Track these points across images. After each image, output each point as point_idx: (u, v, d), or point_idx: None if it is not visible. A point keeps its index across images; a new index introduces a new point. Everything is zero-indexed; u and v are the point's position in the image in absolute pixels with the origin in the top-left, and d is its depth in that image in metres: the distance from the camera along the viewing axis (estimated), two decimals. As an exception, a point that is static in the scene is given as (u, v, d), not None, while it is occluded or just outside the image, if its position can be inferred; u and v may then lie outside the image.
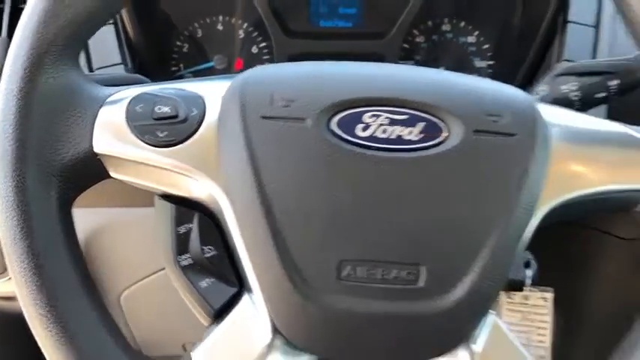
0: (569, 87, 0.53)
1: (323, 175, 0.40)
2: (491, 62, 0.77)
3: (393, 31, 0.74)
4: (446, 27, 0.76)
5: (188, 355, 0.43)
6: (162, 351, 0.78)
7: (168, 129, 0.41)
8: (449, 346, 0.42)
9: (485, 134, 0.41)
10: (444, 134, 0.41)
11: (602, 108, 0.64)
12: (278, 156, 0.40)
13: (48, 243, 0.40)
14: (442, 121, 0.41)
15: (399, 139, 0.40)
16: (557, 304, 0.72)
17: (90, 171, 0.43)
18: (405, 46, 0.76)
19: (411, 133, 0.41)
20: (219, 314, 0.43)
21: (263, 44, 0.75)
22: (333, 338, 0.41)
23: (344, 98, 0.41)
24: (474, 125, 0.41)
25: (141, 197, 0.47)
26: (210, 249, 0.43)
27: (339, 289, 0.40)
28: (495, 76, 0.77)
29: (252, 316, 0.42)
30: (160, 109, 0.42)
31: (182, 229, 0.43)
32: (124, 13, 0.68)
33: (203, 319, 0.44)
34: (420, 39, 0.76)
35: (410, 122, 0.41)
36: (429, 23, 0.76)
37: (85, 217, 0.64)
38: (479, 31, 0.76)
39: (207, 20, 0.75)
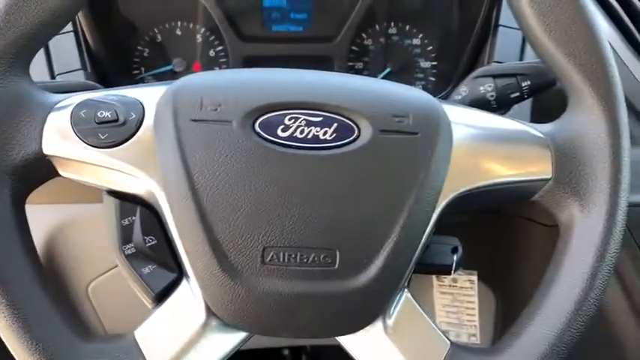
0: (486, 88, 0.58)
1: (247, 171, 0.45)
2: (434, 63, 0.82)
3: (341, 35, 0.79)
4: (392, 30, 0.81)
5: (131, 334, 0.47)
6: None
7: (109, 132, 0.46)
8: (365, 321, 0.47)
9: (391, 133, 0.46)
10: (355, 134, 0.46)
11: (527, 107, 0.69)
12: (207, 155, 0.45)
13: (3, 234, 0.45)
14: (353, 122, 0.46)
15: (315, 139, 0.45)
16: (494, 287, 0.77)
17: (40, 170, 0.47)
18: (354, 48, 0.80)
19: (326, 133, 0.46)
20: (160, 297, 0.48)
21: (219, 48, 0.80)
22: (261, 316, 0.46)
23: (266, 102, 0.46)
24: (381, 125, 0.46)
25: (99, 193, 0.51)
26: (151, 239, 0.48)
27: (263, 272, 0.45)
28: (439, 75, 0.82)
29: (189, 299, 0.47)
30: (102, 113, 0.46)
31: (126, 222, 0.48)
32: (83, 20, 0.72)
33: (146, 302, 0.49)
34: (367, 42, 0.81)
35: (324, 123, 0.46)
36: (376, 27, 0.80)
37: (49, 214, 0.69)
38: (423, 33, 0.81)
39: (167, 25, 0.79)
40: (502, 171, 0.49)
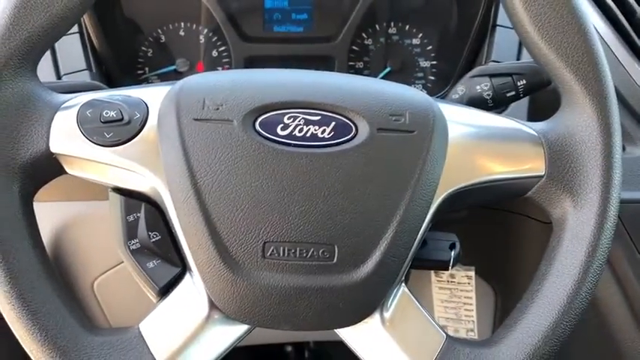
0: (482, 87, 0.59)
1: (248, 168, 0.46)
2: (434, 62, 0.83)
3: (341, 35, 0.80)
4: (392, 30, 0.82)
5: (136, 327, 0.49)
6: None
7: (114, 130, 0.48)
8: (363, 314, 0.48)
9: (387, 132, 0.47)
10: (352, 132, 0.47)
11: (524, 106, 0.70)
12: (209, 153, 0.46)
13: (12, 230, 0.46)
14: (350, 121, 0.47)
15: (314, 137, 0.47)
16: (493, 283, 0.79)
17: (48, 168, 0.49)
18: (354, 48, 0.82)
19: (324, 132, 0.47)
20: (164, 291, 0.49)
21: (222, 48, 0.81)
22: (262, 309, 0.47)
23: (266, 102, 0.47)
24: (378, 124, 0.47)
25: (106, 191, 0.53)
26: (155, 234, 0.49)
27: (264, 267, 0.46)
28: (438, 74, 0.83)
29: (192, 293, 0.48)
30: (107, 113, 0.48)
31: (131, 218, 0.50)
32: (88, 22, 0.73)
33: (151, 296, 0.50)
34: (368, 42, 0.82)
35: (323, 122, 0.47)
36: (377, 27, 0.82)
37: (57, 211, 0.71)
38: (422, 33, 0.82)
39: (171, 26, 0.80)
40: (496, 168, 0.50)
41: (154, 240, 0.49)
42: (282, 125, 0.47)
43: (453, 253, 0.55)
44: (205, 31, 0.81)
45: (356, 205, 0.46)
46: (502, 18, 0.75)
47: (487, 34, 0.76)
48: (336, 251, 0.46)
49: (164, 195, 0.47)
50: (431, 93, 0.82)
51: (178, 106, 0.47)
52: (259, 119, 0.47)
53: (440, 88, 0.82)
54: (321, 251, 0.46)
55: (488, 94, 0.59)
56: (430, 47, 0.82)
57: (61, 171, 0.50)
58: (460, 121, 0.51)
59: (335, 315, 0.48)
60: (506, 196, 0.53)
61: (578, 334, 0.51)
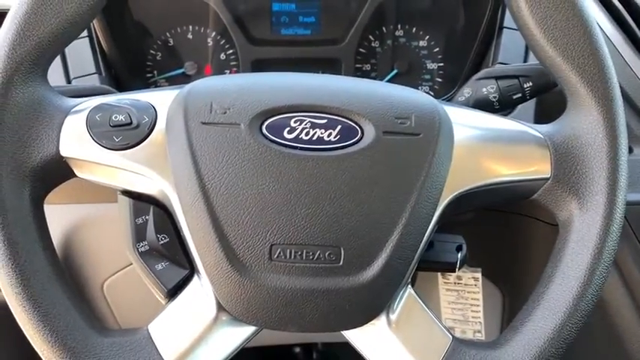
0: (489, 89, 0.59)
1: (255, 172, 0.47)
2: (441, 64, 0.83)
3: (348, 38, 0.80)
4: (399, 32, 0.82)
5: (145, 328, 0.50)
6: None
7: (123, 134, 0.48)
8: (369, 316, 0.49)
9: (393, 135, 0.47)
10: (358, 135, 0.47)
11: (531, 108, 0.70)
12: (217, 156, 0.47)
13: (23, 232, 0.47)
14: (356, 124, 0.48)
15: (320, 140, 0.47)
16: (501, 284, 0.79)
17: (58, 172, 0.49)
18: (362, 50, 0.82)
19: (330, 135, 0.47)
20: (172, 293, 0.50)
21: (230, 51, 0.82)
22: (269, 311, 0.47)
23: (273, 106, 0.48)
24: (384, 127, 0.47)
25: (115, 194, 0.53)
26: (164, 237, 0.50)
27: (271, 269, 0.47)
28: (445, 76, 0.83)
29: (200, 295, 0.49)
30: (116, 117, 0.48)
31: (140, 220, 0.50)
32: (98, 26, 0.74)
33: (159, 298, 0.51)
34: (375, 44, 0.82)
35: (329, 125, 0.47)
36: (383, 29, 0.82)
37: (66, 213, 0.72)
38: (429, 35, 0.82)
39: (179, 30, 0.81)
40: (502, 170, 0.50)
41: (162, 242, 0.50)
42: (288, 128, 0.47)
43: (459, 255, 0.55)
44: (213, 34, 0.81)
45: (362, 208, 0.47)
46: (509, 20, 0.75)
47: (494, 35, 0.76)
48: (343, 253, 0.47)
49: (172, 198, 0.48)
50: (438, 95, 0.83)
51: (186, 110, 0.48)
52: (266, 123, 0.47)
53: (447, 90, 0.83)
54: (327, 253, 0.47)
55: (495, 97, 0.59)
56: (437, 49, 0.82)
57: (70, 174, 0.50)
58: (466, 123, 0.51)
59: (341, 317, 0.48)
60: (512, 199, 0.53)
61: (585, 336, 0.51)
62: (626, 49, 0.73)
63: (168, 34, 0.81)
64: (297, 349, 1.23)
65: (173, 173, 0.47)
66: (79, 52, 0.73)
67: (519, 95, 0.59)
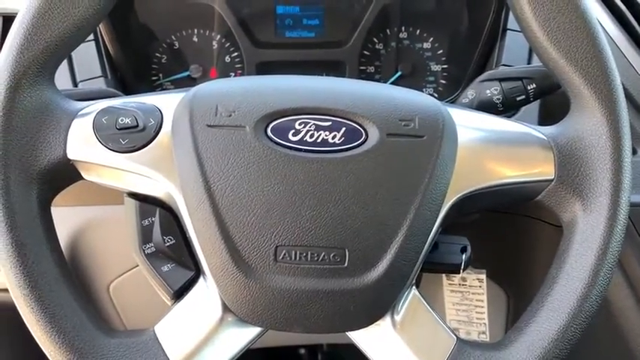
0: (492, 91, 0.59)
1: (260, 174, 0.47)
2: (445, 66, 0.83)
3: (352, 40, 0.81)
4: (403, 34, 0.83)
5: (151, 329, 0.50)
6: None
7: (129, 137, 0.49)
8: (373, 317, 0.49)
9: (397, 137, 0.48)
10: (362, 138, 0.48)
11: (535, 110, 0.70)
12: (222, 159, 0.47)
13: (30, 235, 0.48)
14: (360, 126, 0.48)
15: (324, 142, 0.47)
16: (505, 285, 0.79)
17: (65, 174, 0.50)
18: (366, 53, 0.82)
19: (335, 137, 0.48)
20: (178, 294, 0.50)
21: (235, 54, 0.82)
22: (274, 312, 0.48)
23: (278, 108, 0.48)
24: (388, 129, 0.48)
25: (121, 196, 0.54)
26: (170, 239, 0.50)
27: (276, 270, 0.47)
28: (449, 78, 0.83)
29: (206, 296, 0.49)
30: (122, 120, 0.49)
31: (146, 222, 0.51)
32: (104, 29, 0.75)
33: (165, 299, 0.51)
34: (379, 46, 0.83)
35: (333, 128, 0.48)
36: (387, 31, 0.82)
37: (73, 215, 0.72)
38: (433, 37, 0.82)
39: (184, 33, 0.82)
40: (506, 172, 0.50)
41: (168, 244, 0.50)
42: (293, 131, 0.48)
43: (464, 256, 0.56)
44: (218, 37, 0.82)
45: (366, 210, 0.47)
46: (512, 22, 0.76)
47: (497, 37, 0.77)
48: (347, 255, 0.47)
49: (178, 200, 0.48)
50: (442, 97, 0.83)
51: (192, 112, 0.48)
52: (271, 125, 0.48)
53: (451, 92, 0.83)
54: (332, 255, 0.47)
55: (498, 99, 0.59)
56: (441, 51, 0.83)
57: (77, 177, 0.51)
58: (469, 125, 0.51)
59: (346, 318, 0.48)
60: (516, 200, 0.54)
61: (589, 337, 0.51)
62: (630, 49, 0.73)
63: (173, 37, 0.82)
64: (303, 351, 1.23)
65: (179, 175, 0.48)
66: (86, 55, 0.73)
67: (523, 97, 0.60)
